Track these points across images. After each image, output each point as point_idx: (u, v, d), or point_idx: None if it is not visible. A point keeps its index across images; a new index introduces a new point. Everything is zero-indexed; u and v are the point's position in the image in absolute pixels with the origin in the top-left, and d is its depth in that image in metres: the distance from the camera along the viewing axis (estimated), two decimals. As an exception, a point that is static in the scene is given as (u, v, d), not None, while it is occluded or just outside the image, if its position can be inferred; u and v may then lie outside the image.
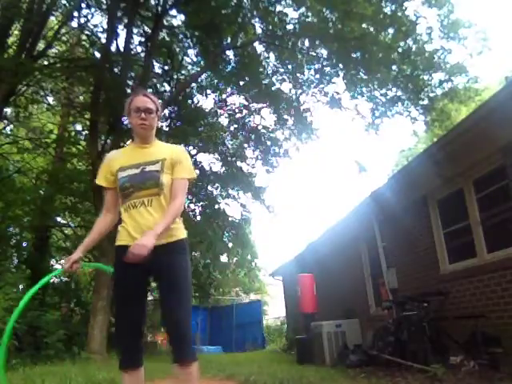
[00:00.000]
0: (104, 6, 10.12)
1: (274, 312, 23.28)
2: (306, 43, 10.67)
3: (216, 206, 13.33)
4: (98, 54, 10.49)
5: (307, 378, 4.48)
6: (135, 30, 10.65)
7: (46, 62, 10.23)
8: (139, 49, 11.38)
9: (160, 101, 2.31)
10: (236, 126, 13.05)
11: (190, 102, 11.94)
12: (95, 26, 10.92)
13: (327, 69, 11.04)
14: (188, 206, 12.44)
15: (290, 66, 11.40)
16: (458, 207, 5.20)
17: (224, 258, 17.15)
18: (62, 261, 13.99)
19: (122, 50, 9.66)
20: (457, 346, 4.52)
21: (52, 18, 10.86)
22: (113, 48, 9.64)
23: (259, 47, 11.33)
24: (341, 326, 6.76)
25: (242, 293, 25.64)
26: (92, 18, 11.87)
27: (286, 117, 12.11)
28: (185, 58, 11.96)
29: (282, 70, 11.65)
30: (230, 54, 11.30)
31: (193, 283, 10.86)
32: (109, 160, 2.25)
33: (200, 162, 12.58)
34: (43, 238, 11.88)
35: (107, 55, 9.22)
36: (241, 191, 13.50)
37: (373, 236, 7.03)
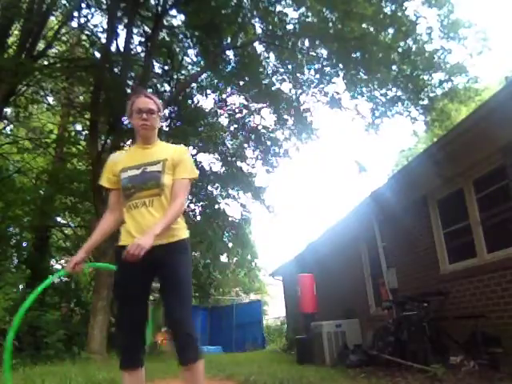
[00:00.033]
0: (104, 6, 10.12)
1: (274, 312, 23.31)
2: (306, 43, 10.67)
3: (216, 206, 13.33)
4: (98, 54, 10.50)
5: (307, 377, 4.48)
6: (135, 30, 10.65)
7: (46, 62, 10.23)
8: (139, 49, 11.40)
9: (160, 101, 2.32)
10: (236, 126, 13.05)
11: (190, 102, 11.94)
12: (95, 26, 10.94)
13: (327, 69, 11.04)
14: (188, 206, 12.43)
15: (290, 66, 11.40)
16: (458, 207, 5.20)
17: (224, 258, 17.17)
18: (62, 261, 14.02)
19: (122, 49, 9.66)
20: (457, 346, 4.51)
21: (52, 18, 10.87)
22: (113, 48, 9.65)
23: (259, 47, 11.35)
24: (341, 326, 6.76)
25: (241, 293, 25.63)
26: (92, 18, 11.89)
27: (286, 117, 12.11)
28: (185, 57, 11.97)
29: (282, 70, 11.66)
30: (230, 53, 11.32)
31: (193, 283, 10.84)
32: (112, 161, 2.27)
33: (200, 162, 12.58)
34: (43, 237, 11.88)
35: (107, 55, 9.21)
36: (241, 191, 13.50)
37: (373, 236, 7.03)
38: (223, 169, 13.15)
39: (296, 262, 11.22)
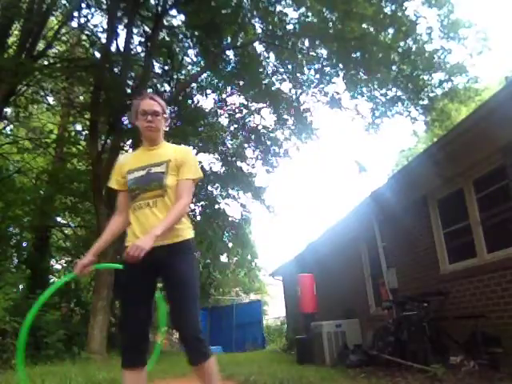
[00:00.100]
0: (104, 6, 10.12)
1: (274, 312, 23.28)
2: (306, 43, 10.68)
3: (216, 206, 13.35)
4: (98, 54, 10.50)
5: (307, 377, 4.48)
6: (135, 30, 10.65)
7: (46, 62, 10.22)
8: (139, 49, 11.40)
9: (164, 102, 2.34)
10: (236, 126, 13.06)
11: (190, 102, 11.94)
12: (95, 26, 10.94)
13: (327, 69, 11.05)
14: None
15: (289, 66, 11.41)
16: (458, 207, 5.20)
17: (224, 258, 17.18)
18: (62, 261, 14.01)
19: (122, 49, 9.66)
20: (457, 346, 4.51)
21: (52, 18, 10.85)
22: (113, 48, 9.66)
23: (259, 47, 11.36)
24: (341, 326, 6.76)
25: (241, 293, 25.63)
26: (92, 18, 11.91)
27: (285, 117, 12.13)
28: (185, 57, 11.97)
29: (282, 70, 11.67)
30: (230, 53, 11.33)
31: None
32: (120, 163, 2.31)
33: (200, 162, 12.58)
34: (43, 237, 11.88)
35: (107, 55, 9.21)
36: (241, 191, 13.51)
37: (373, 236, 7.03)
38: (223, 169, 13.17)
39: (296, 262, 11.22)
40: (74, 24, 10.97)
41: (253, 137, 12.83)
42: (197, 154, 12.45)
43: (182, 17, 10.99)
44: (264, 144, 12.68)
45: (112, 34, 9.44)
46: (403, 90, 10.52)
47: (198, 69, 11.68)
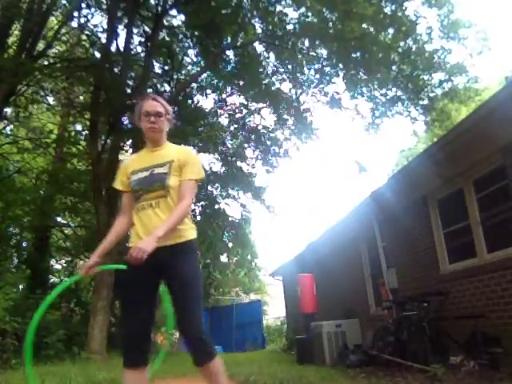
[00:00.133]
0: (104, 6, 10.12)
1: (274, 312, 23.29)
2: (306, 43, 10.67)
3: (216, 206, 13.33)
4: (98, 54, 10.50)
5: (307, 378, 4.49)
6: (135, 30, 10.65)
7: (46, 62, 10.21)
8: (139, 49, 11.40)
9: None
10: (236, 126, 13.05)
11: (190, 102, 11.93)
12: (95, 26, 10.94)
13: (327, 69, 11.04)
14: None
15: (290, 66, 11.41)
16: (458, 207, 5.20)
17: (224, 258, 17.17)
18: (62, 261, 14.01)
19: (122, 49, 9.66)
20: (457, 346, 4.52)
21: (52, 18, 10.85)
22: (113, 48, 9.65)
23: (259, 47, 11.36)
24: (341, 326, 6.76)
25: (242, 293, 25.64)
26: (92, 18, 11.91)
27: (285, 117, 12.12)
28: (185, 58, 11.97)
29: (282, 70, 11.66)
30: (230, 53, 11.32)
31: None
32: (124, 164, 2.34)
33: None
34: (43, 237, 11.87)
35: (107, 55, 9.21)
36: (241, 191, 13.50)
37: (373, 236, 7.03)
38: (223, 169, 13.16)
39: (296, 261, 11.22)
40: (74, 24, 10.99)
41: (253, 137, 12.82)
42: (197, 154, 12.45)
43: (181, 17, 11.01)
44: (264, 144, 12.67)
45: (112, 34, 9.44)
46: (403, 90, 10.52)
47: (198, 69, 11.68)
